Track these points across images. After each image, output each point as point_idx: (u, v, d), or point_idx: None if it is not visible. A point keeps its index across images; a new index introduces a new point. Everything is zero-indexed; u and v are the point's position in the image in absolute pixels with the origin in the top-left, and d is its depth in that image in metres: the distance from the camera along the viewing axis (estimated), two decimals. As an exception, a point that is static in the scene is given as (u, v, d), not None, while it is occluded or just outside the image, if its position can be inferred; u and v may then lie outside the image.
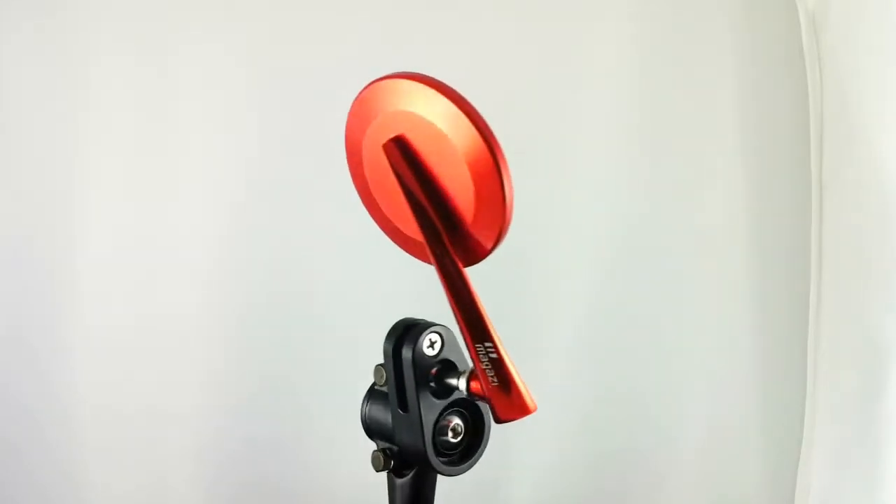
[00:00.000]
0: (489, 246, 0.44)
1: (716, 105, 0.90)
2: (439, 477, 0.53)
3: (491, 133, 0.41)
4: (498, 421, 0.45)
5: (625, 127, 0.90)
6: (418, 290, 0.88)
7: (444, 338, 0.49)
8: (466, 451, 0.50)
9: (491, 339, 0.44)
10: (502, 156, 0.41)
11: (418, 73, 0.44)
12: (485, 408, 0.49)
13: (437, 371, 0.49)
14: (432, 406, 0.49)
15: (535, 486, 0.92)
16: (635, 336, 0.90)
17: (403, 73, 0.45)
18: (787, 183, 0.88)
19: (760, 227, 0.89)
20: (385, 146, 0.44)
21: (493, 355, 0.44)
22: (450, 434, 0.49)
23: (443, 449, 0.49)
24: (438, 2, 0.90)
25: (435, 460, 0.49)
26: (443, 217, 0.43)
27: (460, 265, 0.44)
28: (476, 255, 0.44)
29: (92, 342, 0.89)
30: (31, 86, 0.88)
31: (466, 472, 0.86)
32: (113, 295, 0.89)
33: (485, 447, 0.50)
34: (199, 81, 0.88)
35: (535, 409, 0.43)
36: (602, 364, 0.90)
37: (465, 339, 0.44)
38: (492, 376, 0.44)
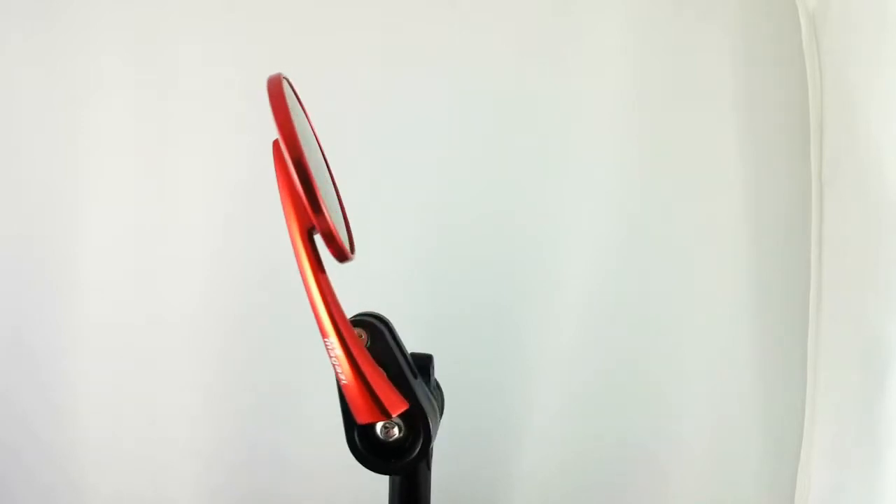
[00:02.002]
0: (334, 253, 0.45)
1: (716, 105, 0.90)
2: (438, 468, 0.53)
3: (294, 144, 0.42)
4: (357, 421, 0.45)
5: (625, 126, 0.90)
6: (416, 292, 0.89)
7: (372, 333, 0.49)
8: (403, 451, 0.49)
9: (331, 336, 0.44)
10: (304, 167, 0.42)
11: (274, 77, 0.46)
12: (423, 411, 0.49)
13: None
14: None
15: (535, 482, 0.92)
16: (634, 336, 0.90)
17: (273, 74, 0.47)
18: (787, 183, 0.88)
19: (760, 227, 0.89)
20: (275, 143, 0.45)
21: (335, 352, 0.44)
22: (379, 431, 0.49)
23: (375, 444, 0.49)
24: (438, 3, 0.90)
25: (355, 451, 0.49)
26: (307, 216, 0.45)
27: (317, 261, 0.45)
28: (338, 256, 0.46)
29: (91, 344, 0.89)
30: (32, 87, 0.88)
31: (469, 468, 0.86)
32: (112, 297, 0.89)
33: (419, 452, 0.48)
34: (199, 84, 0.88)
35: (376, 419, 0.44)
36: (601, 364, 0.90)
37: None
38: (339, 373, 0.44)
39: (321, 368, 0.88)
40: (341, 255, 0.45)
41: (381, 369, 0.47)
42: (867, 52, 0.78)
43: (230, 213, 0.88)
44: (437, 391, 0.53)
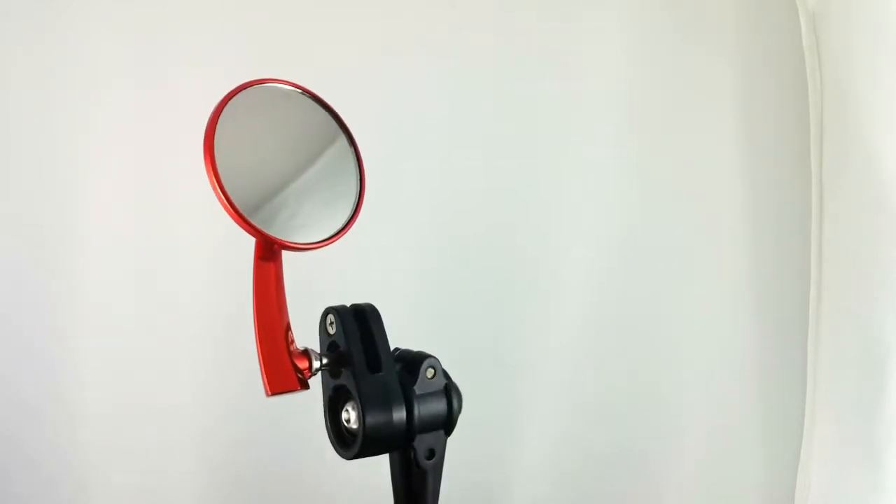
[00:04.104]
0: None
1: (716, 105, 0.90)
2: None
3: (206, 139, 0.51)
4: None
5: (626, 127, 0.90)
6: (415, 289, 0.89)
7: (338, 320, 0.52)
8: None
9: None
10: (209, 166, 0.50)
11: (219, 102, 0.53)
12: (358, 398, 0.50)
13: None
14: (327, 383, 0.52)
15: (534, 484, 0.92)
16: (635, 336, 0.90)
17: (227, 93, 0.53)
18: (787, 183, 0.88)
19: (760, 227, 0.89)
20: None
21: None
22: (342, 417, 0.50)
23: (341, 431, 0.51)
24: (437, 2, 0.90)
25: (331, 438, 0.51)
26: None
27: (263, 250, 0.52)
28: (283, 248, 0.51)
29: (93, 338, 0.89)
30: (34, 85, 0.88)
31: (467, 472, 0.85)
32: (114, 291, 0.89)
33: (359, 438, 0.49)
34: (199, 82, 0.88)
35: (266, 392, 0.48)
36: (601, 364, 0.90)
37: None
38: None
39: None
40: (283, 248, 0.51)
41: (289, 351, 0.50)
42: (867, 52, 0.78)
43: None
44: (433, 394, 0.52)
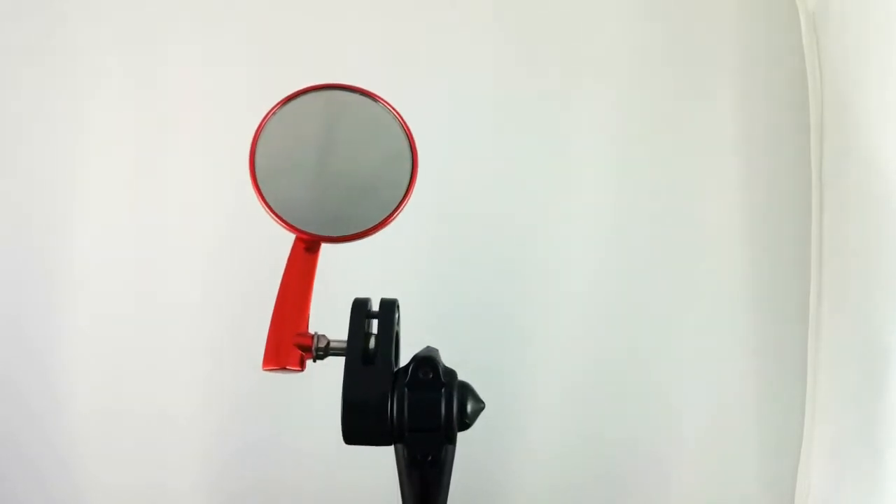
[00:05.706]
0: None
1: (716, 105, 0.90)
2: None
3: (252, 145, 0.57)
4: None
5: (625, 126, 0.90)
6: (415, 287, 0.89)
7: (351, 311, 0.53)
8: None
9: None
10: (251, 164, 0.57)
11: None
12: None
13: None
14: None
15: (532, 483, 0.92)
16: (634, 336, 0.90)
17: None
18: (787, 183, 0.89)
19: (760, 227, 0.89)
20: None
21: None
22: None
23: None
24: (439, 3, 0.90)
25: None
26: None
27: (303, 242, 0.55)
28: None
29: (92, 340, 0.89)
30: (32, 85, 0.89)
31: (467, 467, 0.86)
32: (112, 292, 0.89)
33: (342, 424, 0.50)
34: (199, 82, 0.88)
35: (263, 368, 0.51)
36: (600, 364, 0.90)
37: None
38: None
39: (322, 365, 0.89)
40: (325, 242, 0.55)
41: (294, 333, 0.52)
42: (866, 52, 0.78)
43: (232, 211, 0.88)
44: (426, 395, 0.50)
